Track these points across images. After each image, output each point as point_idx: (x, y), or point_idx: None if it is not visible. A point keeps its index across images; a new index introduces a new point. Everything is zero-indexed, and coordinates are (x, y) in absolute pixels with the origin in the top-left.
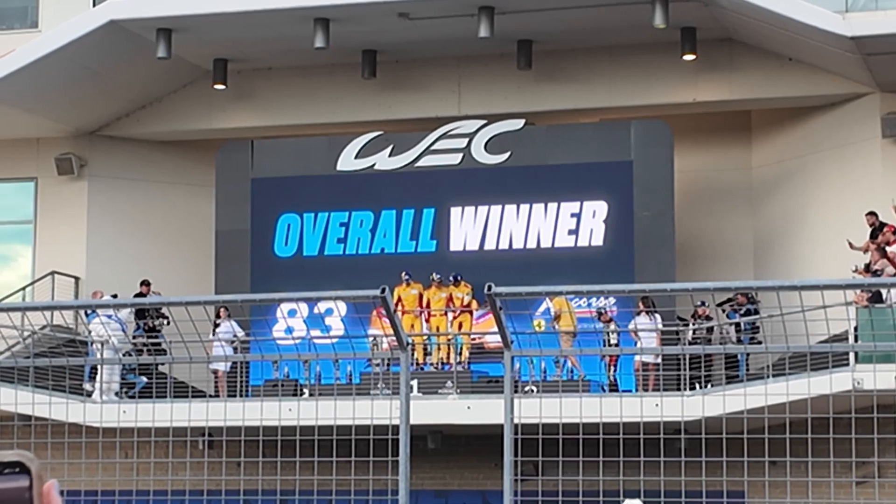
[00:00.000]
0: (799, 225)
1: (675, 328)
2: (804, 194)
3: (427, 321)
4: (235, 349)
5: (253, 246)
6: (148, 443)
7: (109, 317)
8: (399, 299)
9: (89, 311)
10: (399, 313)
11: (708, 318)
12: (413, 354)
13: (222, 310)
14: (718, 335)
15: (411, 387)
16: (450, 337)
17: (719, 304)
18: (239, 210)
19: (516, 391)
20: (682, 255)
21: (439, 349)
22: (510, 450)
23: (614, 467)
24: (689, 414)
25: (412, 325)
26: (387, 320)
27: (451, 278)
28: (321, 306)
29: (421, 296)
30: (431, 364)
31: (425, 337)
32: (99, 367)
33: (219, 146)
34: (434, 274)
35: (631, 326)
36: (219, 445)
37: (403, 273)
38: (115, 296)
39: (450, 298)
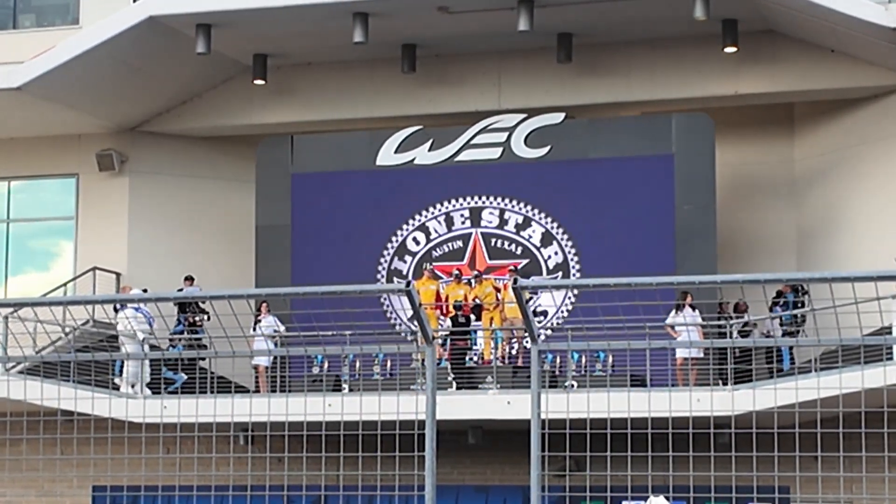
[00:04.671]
0: (842, 218)
1: (713, 323)
2: (847, 187)
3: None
4: (276, 344)
5: (294, 241)
6: (175, 438)
7: (137, 309)
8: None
9: (118, 307)
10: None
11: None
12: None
13: (263, 304)
14: (758, 329)
15: (450, 382)
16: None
17: (771, 307)
18: (279, 205)
19: (555, 386)
20: (724, 249)
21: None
22: (537, 445)
23: (646, 463)
24: (720, 409)
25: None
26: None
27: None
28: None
29: (438, 293)
30: (472, 359)
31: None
32: (125, 361)
33: (259, 141)
34: (454, 270)
35: (668, 321)
36: (253, 440)
37: (428, 264)
38: (143, 290)
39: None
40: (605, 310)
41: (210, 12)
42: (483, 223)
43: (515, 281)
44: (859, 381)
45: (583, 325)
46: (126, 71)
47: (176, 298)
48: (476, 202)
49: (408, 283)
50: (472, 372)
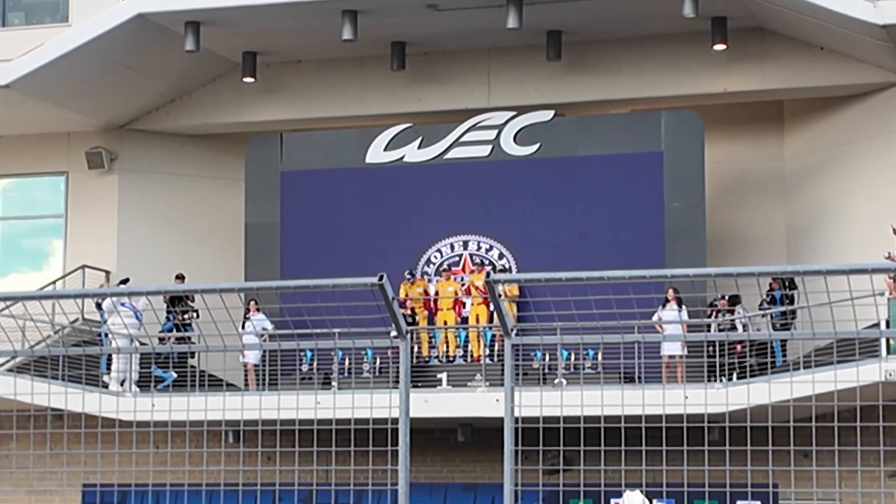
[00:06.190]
0: (832, 216)
1: (698, 321)
2: (837, 185)
3: (434, 314)
4: (264, 342)
5: (283, 239)
6: (164, 435)
7: (123, 304)
8: (406, 297)
9: (100, 301)
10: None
11: (730, 311)
12: (446, 348)
13: (252, 302)
14: (743, 325)
15: (440, 380)
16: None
17: (761, 303)
18: (268, 203)
19: (544, 382)
20: (713, 247)
21: (446, 342)
22: (510, 439)
23: (621, 459)
24: (694, 406)
25: (416, 320)
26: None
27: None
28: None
29: (426, 291)
30: (461, 357)
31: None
32: (113, 359)
33: (248, 139)
34: (443, 267)
35: (654, 318)
36: (242, 436)
37: (406, 272)
38: (124, 281)
39: (467, 290)
40: (580, 305)
41: (199, 9)
42: (470, 247)
43: (488, 275)
44: (846, 379)
45: (556, 322)
46: (115, 69)
47: (155, 292)
48: (465, 207)
49: (380, 277)
50: (425, 369)
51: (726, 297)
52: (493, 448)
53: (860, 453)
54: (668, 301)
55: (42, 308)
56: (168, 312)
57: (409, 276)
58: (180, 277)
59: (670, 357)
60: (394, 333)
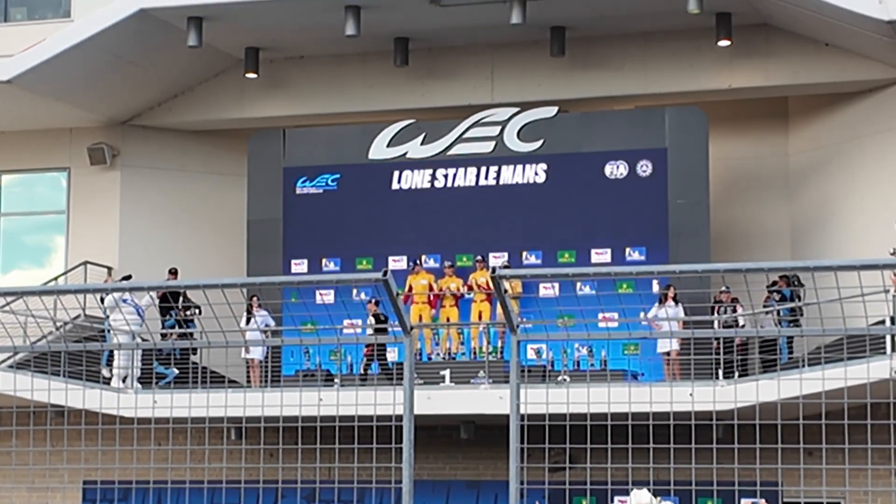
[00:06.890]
0: (837, 213)
1: (698, 318)
2: (842, 181)
3: (439, 310)
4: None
5: (285, 235)
6: (166, 431)
7: (125, 301)
8: (410, 288)
9: (104, 297)
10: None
11: (732, 307)
12: (448, 344)
13: (254, 298)
14: (752, 321)
15: (443, 377)
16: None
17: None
18: (271, 199)
19: (547, 378)
20: (718, 244)
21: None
22: (516, 436)
23: (628, 457)
24: (698, 404)
25: (420, 316)
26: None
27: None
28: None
29: (431, 286)
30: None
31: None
32: (115, 354)
33: (251, 135)
34: (446, 262)
35: (650, 315)
36: (245, 433)
37: (410, 261)
38: (127, 277)
39: (470, 287)
40: (584, 301)
41: (201, 5)
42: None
43: (493, 270)
44: (853, 376)
45: (562, 316)
46: (117, 64)
47: (156, 287)
48: (467, 203)
49: (384, 273)
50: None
51: (730, 289)
52: (496, 445)
53: (870, 451)
54: (665, 298)
55: (43, 304)
56: (167, 309)
57: (411, 265)
58: (173, 273)
59: (667, 354)
60: (369, 331)
